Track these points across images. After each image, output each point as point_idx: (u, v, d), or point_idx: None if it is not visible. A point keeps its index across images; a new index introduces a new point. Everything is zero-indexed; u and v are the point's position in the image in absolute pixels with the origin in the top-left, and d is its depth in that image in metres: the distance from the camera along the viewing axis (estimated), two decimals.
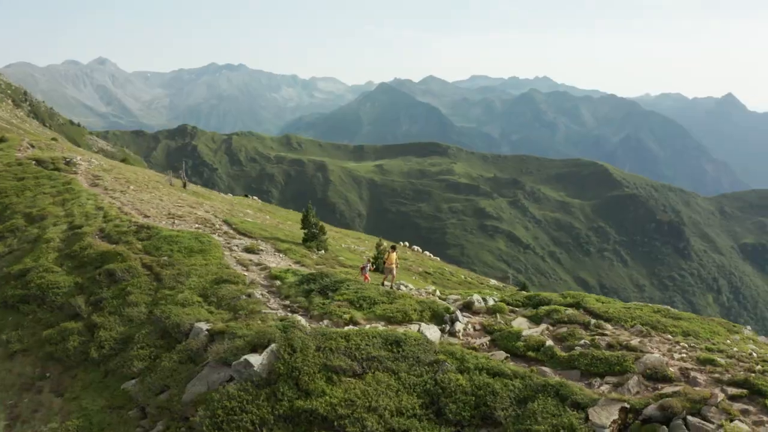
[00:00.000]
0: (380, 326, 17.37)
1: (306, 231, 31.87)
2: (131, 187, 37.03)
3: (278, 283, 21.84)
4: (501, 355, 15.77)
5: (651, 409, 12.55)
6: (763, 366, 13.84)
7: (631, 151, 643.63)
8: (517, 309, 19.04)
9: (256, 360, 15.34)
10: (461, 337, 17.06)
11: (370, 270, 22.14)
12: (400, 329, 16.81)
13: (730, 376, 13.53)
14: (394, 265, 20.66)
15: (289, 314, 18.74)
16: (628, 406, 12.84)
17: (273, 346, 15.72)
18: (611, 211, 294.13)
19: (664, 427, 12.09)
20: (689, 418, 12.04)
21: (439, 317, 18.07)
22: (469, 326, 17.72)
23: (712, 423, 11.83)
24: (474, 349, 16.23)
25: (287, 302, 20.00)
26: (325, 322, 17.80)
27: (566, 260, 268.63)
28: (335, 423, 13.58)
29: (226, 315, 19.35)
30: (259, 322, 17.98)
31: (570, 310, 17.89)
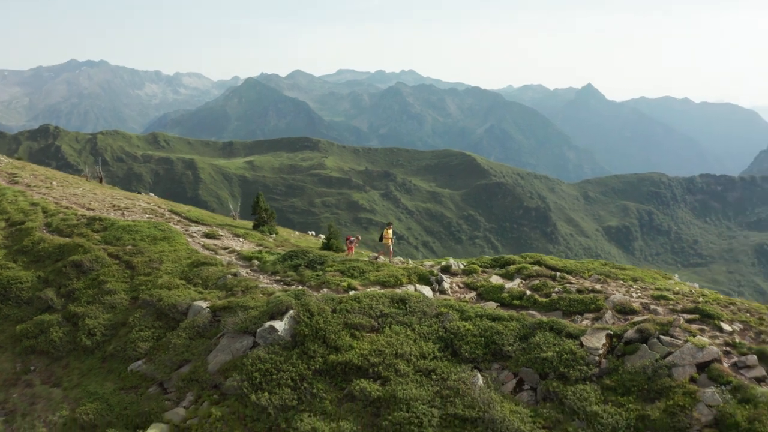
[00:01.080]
0: (377, 290, 19.11)
1: (257, 216, 32.43)
2: (54, 183, 35.24)
3: (256, 263, 22.76)
4: (492, 304, 18.20)
5: (630, 333, 15.53)
6: (704, 298, 17.38)
7: (495, 141, 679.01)
8: (487, 270, 21.61)
9: (280, 325, 16.55)
10: (450, 294, 19.27)
11: (355, 244, 23.65)
12: (398, 291, 18.68)
13: (681, 306, 16.92)
14: (389, 241, 22.44)
15: (286, 287, 19.88)
16: (611, 332, 15.73)
17: (291, 312, 16.96)
18: (480, 200, 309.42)
19: (644, 345, 15.07)
20: (661, 336, 15.13)
21: (425, 279, 20.15)
22: (453, 285, 20.00)
23: (680, 339, 14.99)
24: (465, 302, 18.49)
25: (277, 277, 21.09)
26: (325, 290, 19.21)
27: (439, 249, 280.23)
28: (370, 370, 15.26)
29: (219, 293, 20.08)
30: (261, 295, 18.98)
31: (535, 267, 20.75)
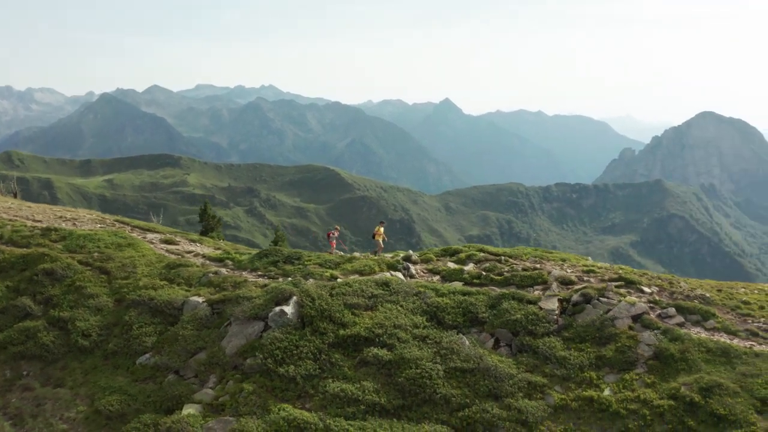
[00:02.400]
0: (355, 276, 21.75)
1: (205, 224, 33.26)
2: None
3: (230, 263, 24.41)
4: (457, 284, 21.54)
5: (576, 297, 19.55)
6: (623, 271, 21.89)
7: (357, 155, 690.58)
8: (440, 258, 24.94)
9: (288, 309, 18.72)
10: (418, 278, 22.35)
11: (335, 238, 25.87)
12: (377, 276, 21.46)
13: (608, 276, 21.31)
14: (380, 238, 25.04)
15: (272, 280, 21.88)
16: (561, 297, 19.68)
17: (294, 298, 19.19)
18: (345, 213, 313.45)
19: (588, 305, 19.11)
20: (600, 298, 19.28)
21: (393, 267, 23.10)
22: (419, 270, 23.11)
23: (614, 299, 19.20)
24: (434, 283, 21.66)
25: (260, 273, 22.98)
26: (310, 280, 21.48)
27: None
28: (376, 340, 17.95)
29: (209, 290, 21.63)
30: (254, 288, 20.87)
31: (481, 253, 24.43)
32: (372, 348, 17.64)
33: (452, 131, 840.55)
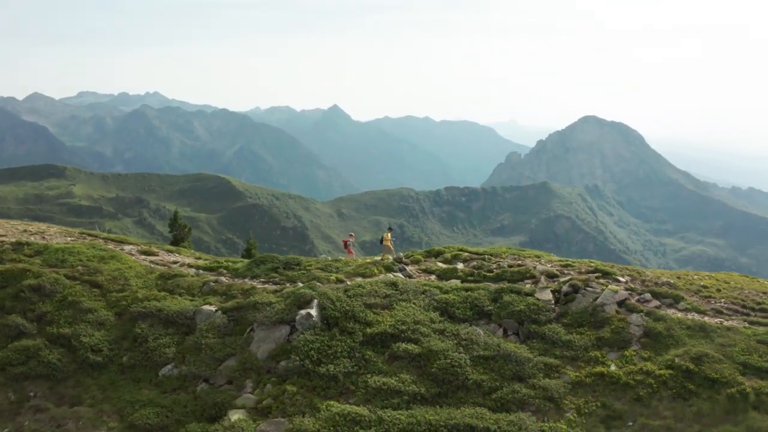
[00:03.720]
0: (360, 279, 22.85)
1: (175, 234, 32.40)
2: None
3: (224, 271, 24.55)
4: (455, 281, 23.25)
5: (565, 288, 21.91)
6: (595, 264, 24.56)
7: (246, 162, 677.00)
8: (427, 259, 26.52)
9: (313, 312, 19.52)
10: (416, 278, 23.81)
11: (353, 245, 26.69)
12: (381, 277, 22.69)
13: (584, 269, 23.92)
14: (389, 243, 26.01)
15: (277, 286, 22.43)
16: (553, 289, 21.93)
17: (315, 301, 20.01)
18: (237, 222, 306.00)
19: (578, 294, 21.51)
20: (587, 288, 21.76)
21: (389, 269, 24.40)
22: (414, 271, 24.57)
23: (597, 288, 21.73)
24: (432, 282, 23.22)
25: (262, 279, 23.40)
26: (318, 284, 22.25)
27: None
28: (401, 335, 19.27)
29: (217, 298, 21.85)
30: (267, 294, 21.36)
31: (465, 253, 26.31)
32: (400, 343, 18.93)
33: (341, 137, 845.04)
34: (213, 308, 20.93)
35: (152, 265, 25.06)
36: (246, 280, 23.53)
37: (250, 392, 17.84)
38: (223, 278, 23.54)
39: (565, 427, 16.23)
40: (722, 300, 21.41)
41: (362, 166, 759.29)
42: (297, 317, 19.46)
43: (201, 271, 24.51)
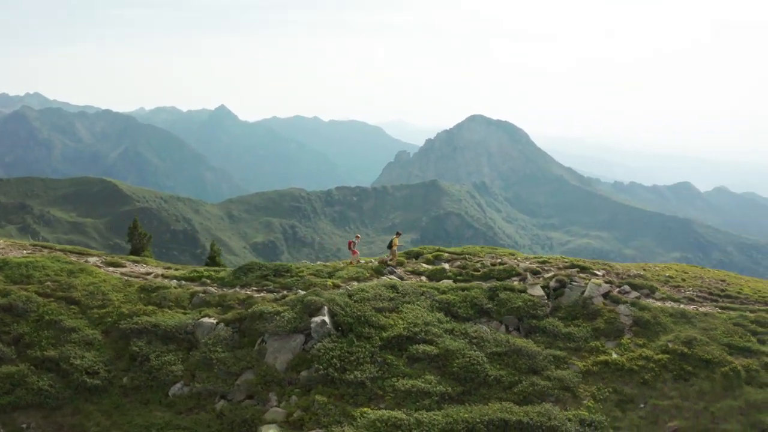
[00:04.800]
0: (356, 283, 22.80)
1: (135, 242, 30.00)
2: None
3: (207, 281, 23.47)
4: (447, 282, 23.83)
5: (553, 283, 23.19)
6: (570, 260, 26.09)
7: (131, 165, 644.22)
8: (408, 261, 26.82)
9: (327, 319, 19.30)
10: (406, 279, 24.09)
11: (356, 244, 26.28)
12: (377, 281, 22.78)
13: (562, 265, 25.37)
14: (396, 247, 25.73)
15: (271, 294, 21.84)
16: (542, 285, 23.12)
17: (325, 308, 19.77)
18: (125, 227, 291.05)
19: (565, 289, 22.83)
20: (572, 282, 23.14)
21: (379, 272, 24.50)
22: (401, 273, 24.82)
23: (581, 282, 23.18)
24: (426, 283, 23.63)
25: (255, 288, 22.59)
26: (315, 290, 21.93)
27: None
28: (416, 337, 19.60)
29: (214, 310, 20.94)
30: (268, 303, 20.73)
31: (446, 254, 26.95)
32: (418, 345, 19.24)
33: (229, 138, 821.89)
34: (213, 321, 20.04)
35: (126, 278, 23.44)
36: (236, 289, 22.65)
37: (276, 405, 17.34)
38: (211, 288, 22.52)
39: (586, 413, 17.28)
40: (690, 288, 23.63)
41: (250, 167, 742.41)
42: (312, 325, 19.13)
43: (183, 282, 23.27)
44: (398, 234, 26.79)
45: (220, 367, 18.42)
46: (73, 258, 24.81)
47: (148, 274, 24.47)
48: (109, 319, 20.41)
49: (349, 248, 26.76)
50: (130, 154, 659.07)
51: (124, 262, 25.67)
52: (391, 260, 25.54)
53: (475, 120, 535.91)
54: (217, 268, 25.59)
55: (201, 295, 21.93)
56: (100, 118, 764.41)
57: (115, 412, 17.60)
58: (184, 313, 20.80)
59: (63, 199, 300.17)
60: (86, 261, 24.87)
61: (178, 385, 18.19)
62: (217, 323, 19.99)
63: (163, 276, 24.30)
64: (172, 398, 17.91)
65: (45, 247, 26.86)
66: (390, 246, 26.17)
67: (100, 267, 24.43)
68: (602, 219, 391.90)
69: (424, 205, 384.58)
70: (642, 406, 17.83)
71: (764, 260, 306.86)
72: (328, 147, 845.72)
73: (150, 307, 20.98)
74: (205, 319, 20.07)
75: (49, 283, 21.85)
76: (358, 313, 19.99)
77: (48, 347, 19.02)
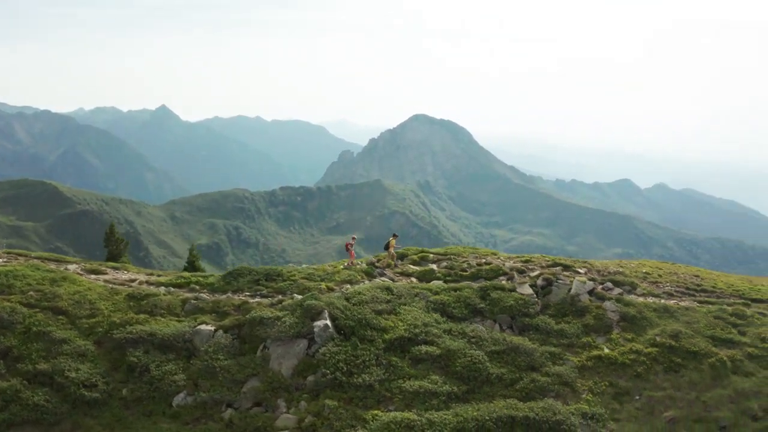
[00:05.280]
0: (349, 286, 22.85)
1: (112, 248, 28.72)
2: None
3: (196, 287, 22.97)
4: (438, 282, 24.15)
5: (540, 282, 23.89)
6: (552, 258, 26.86)
7: (71, 167, 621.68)
8: (395, 262, 26.97)
9: (329, 323, 19.29)
10: (397, 281, 24.28)
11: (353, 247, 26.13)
12: (372, 283, 22.89)
13: (545, 263, 26.12)
14: (392, 249, 25.62)
15: (265, 299, 21.61)
16: (530, 283, 23.77)
17: (326, 312, 19.75)
18: (67, 230, 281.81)
19: (552, 287, 23.55)
20: (558, 281, 23.89)
21: (369, 274, 24.60)
22: (390, 274, 24.99)
23: (566, 281, 23.96)
24: (417, 284, 23.89)
25: (248, 293, 22.25)
26: (312, 294, 21.84)
27: None
28: (417, 338, 19.87)
29: (210, 317, 20.53)
30: (265, 308, 20.51)
31: (431, 255, 27.29)
32: (420, 346, 19.49)
33: (171, 138, 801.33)
34: (211, 328, 19.68)
35: (111, 286, 22.66)
36: (229, 294, 22.26)
37: (285, 412, 17.23)
38: (203, 295, 22.08)
39: (587, 407, 17.95)
40: (668, 284, 24.79)
41: (193, 168, 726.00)
42: (315, 329, 19.10)
43: (172, 289, 22.67)
44: (395, 236, 26.99)
45: (225, 375, 18.12)
46: (52, 266, 23.76)
47: (132, 281, 23.72)
48: (100, 329, 19.73)
49: (347, 250, 26.75)
50: (70, 156, 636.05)
51: (104, 269, 24.78)
52: (389, 260, 25.71)
53: (418, 119, 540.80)
54: (205, 274, 25.06)
55: (193, 301, 21.46)
56: (39, 119, 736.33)
57: (118, 425, 17.07)
58: (179, 321, 20.32)
59: (2, 202, 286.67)
60: (66, 268, 23.88)
61: (182, 395, 17.79)
62: (215, 330, 19.64)
63: (148, 283, 23.62)
64: (176, 409, 17.50)
65: (20, 255, 25.60)
66: (387, 247, 26.32)
67: (81, 274, 23.51)
68: (545, 216, 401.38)
69: (368, 205, 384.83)
70: (637, 398, 18.64)
71: (703, 254, 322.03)
72: (272, 147, 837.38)
73: (142, 316, 20.37)
74: (203, 327, 19.68)
75: (32, 292, 20.89)
76: (359, 316, 20.07)
77: (39, 360, 18.22)
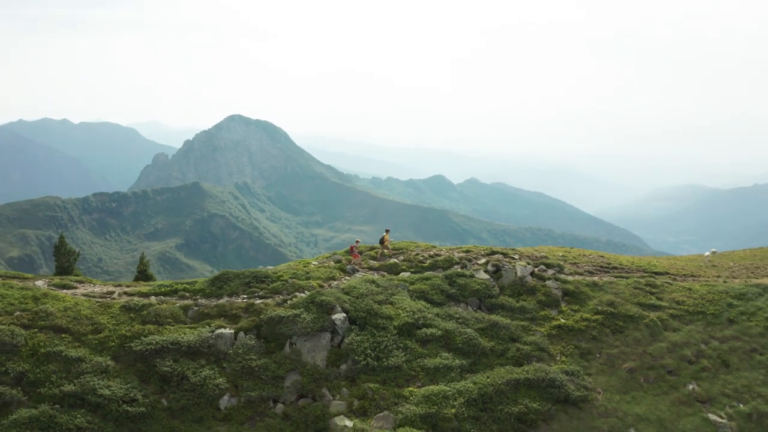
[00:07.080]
0: (334, 282, 24.41)
1: (62, 261, 25.65)
2: None
3: (186, 294, 22.80)
4: (406, 273, 26.56)
5: (490, 267, 27.57)
6: (487, 248, 30.57)
7: None
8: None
9: (345, 316, 20.94)
10: (369, 275, 26.24)
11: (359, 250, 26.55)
12: (353, 280, 24.66)
13: (483, 252, 29.90)
14: (387, 243, 26.38)
15: (264, 299, 22.37)
16: (483, 269, 27.26)
17: (338, 306, 21.35)
18: None
19: (501, 272, 27.30)
20: (505, 266, 27.69)
21: (344, 271, 26.29)
22: (361, 270, 26.84)
23: (509, 265, 27.89)
24: (391, 276, 26.10)
25: (243, 296, 22.62)
26: (306, 292, 23.00)
27: None
28: (418, 322, 22.45)
29: (221, 321, 20.83)
30: (277, 308, 21.33)
31: (384, 250, 29.47)
32: (423, 329, 21.95)
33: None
34: (231, 331, 20.12)
35: (96, 300, 21.61)
36: (226, 298, 22.48)
37: (332, 399, 18.54)
38: (202, 300, 22.12)
39: (566, 366, 21.80)
40: (585, 264, 29.86)
41: None
42: (337, 322, 20.63)
43: (163, 297, 22.22)
44: (387, 231, 28.69)
45: (265, 374, 18.91)
46: (18, 283, 21.78)
47: (110, 293, 22.72)
48: (113, 344, 19.12)
49: (351, 252, 28.16)
50: None
51: (73, 283, 23.22)
52: (384, 253, 27.50)
53: (234, 120, 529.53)
54: (189, 280, 24.48)
55: (195, 308, 21.48)
56: None
57: None
58: (191, 328, 20.34)
59: None
60: (35, 284, 22.08)
61: (226, 397, 18.23)
62: (236, 333, 20.10)
63: (127, 294, 22.80)
64: (225, 411, 17.96)
65: None
66: (382, 242, 28.04)
67: (54, 290, 21.95)
68: (364, 213, 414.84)
69: (187, 208, 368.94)
70: (598, 356, 22.94)
71: (516, 244, 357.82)
72: (81, 151, 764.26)
73: (150, 326, 20.02)
74: (223, 330, 20.02)
75: (19, 312, 19.37)
76: (366, 307, 21.91)
77: (61, 382, 17.33)
